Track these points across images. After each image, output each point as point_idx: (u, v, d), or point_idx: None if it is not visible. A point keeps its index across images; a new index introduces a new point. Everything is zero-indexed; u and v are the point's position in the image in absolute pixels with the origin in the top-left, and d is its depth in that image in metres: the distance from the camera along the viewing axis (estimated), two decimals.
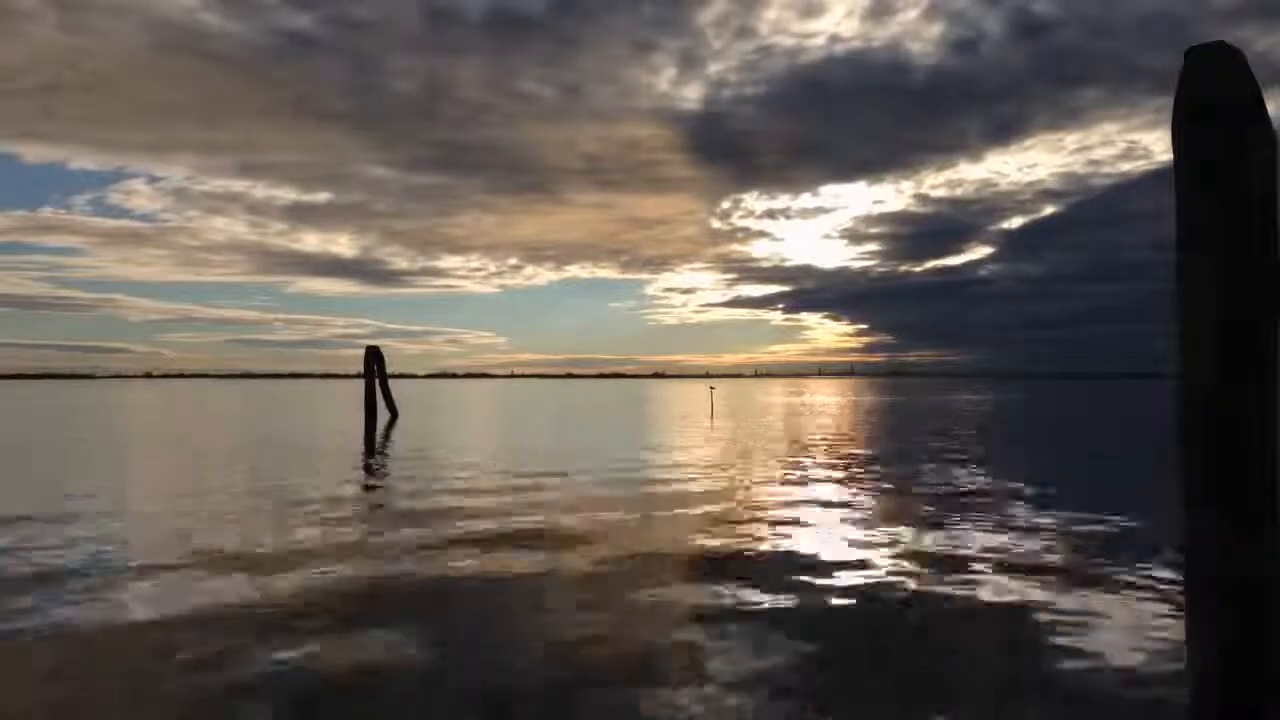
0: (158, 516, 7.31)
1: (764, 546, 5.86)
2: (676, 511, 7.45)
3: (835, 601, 4.35)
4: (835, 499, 8.19)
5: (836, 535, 6.32)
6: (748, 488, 9.02)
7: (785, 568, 5.18)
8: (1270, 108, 2.75)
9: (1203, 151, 2.75)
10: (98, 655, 3.60)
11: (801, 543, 6.01)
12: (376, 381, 24.29)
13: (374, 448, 14.63)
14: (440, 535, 6.38)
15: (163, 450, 14.16)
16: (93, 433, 18.56)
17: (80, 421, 23.30)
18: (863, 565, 5.28)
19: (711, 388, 71.42)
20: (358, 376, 29.18)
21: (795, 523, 6.85)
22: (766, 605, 4.24)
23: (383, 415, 24.24)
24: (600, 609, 4.28)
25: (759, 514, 7.27)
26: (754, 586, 4.67)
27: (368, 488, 9.26)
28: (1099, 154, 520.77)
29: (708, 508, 7.63)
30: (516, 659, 3.50)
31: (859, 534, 6.36)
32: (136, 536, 6.38)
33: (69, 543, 6.07)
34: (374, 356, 24.44)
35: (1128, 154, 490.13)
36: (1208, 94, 2.74)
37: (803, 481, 9.60)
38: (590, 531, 6.50)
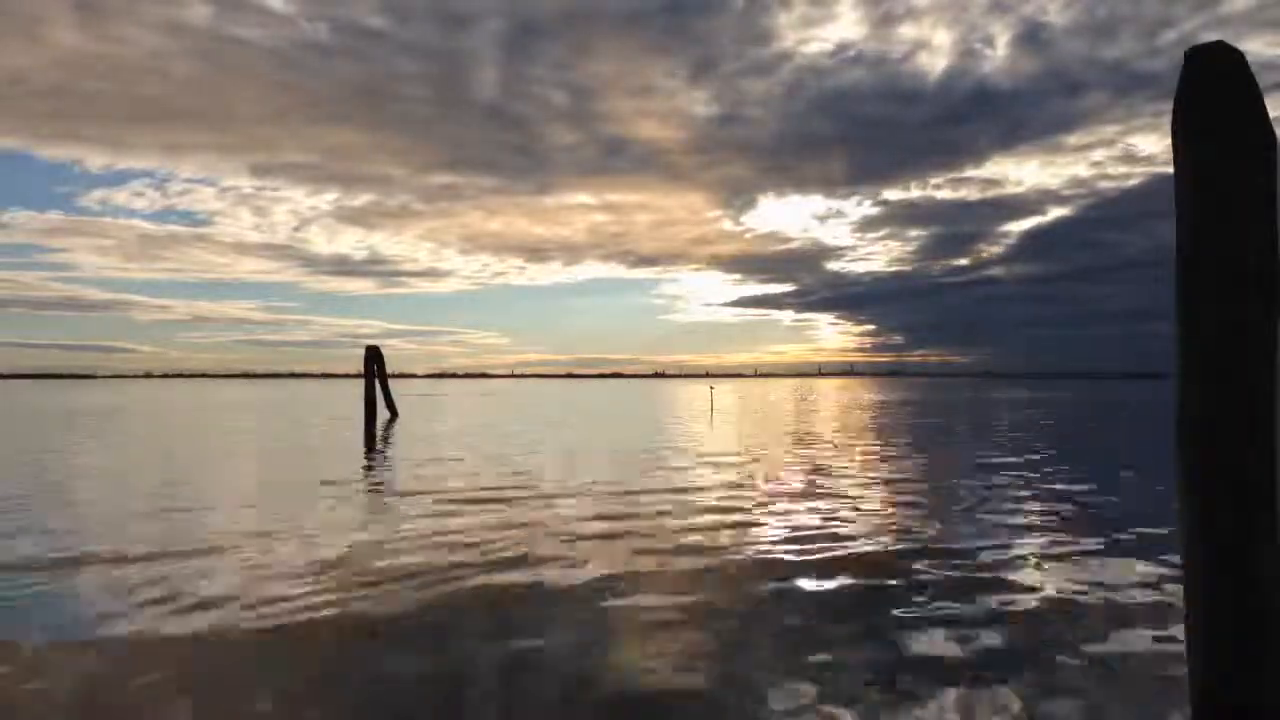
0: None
1: None
2: None
3: None
4: None
5: None
6: None
7: None
8: (1270, 109, 2.74)
9: (1202, 153, 2.73)
10: None
11: None
12: (376, 381, 24.26)
13: (373, 447, 14.63)
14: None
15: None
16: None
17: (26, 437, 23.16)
18: None
19: (711, 388, 71.49)
20: (358, 376, 29.13)
21: None
22: None
23: (382, 414, 24.25)
24: None
25: None
26: None
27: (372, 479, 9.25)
28: (1102, 156, 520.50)
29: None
30: None
31: None
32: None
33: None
34: (374, 356, 24.41)
35: (1130, 157, 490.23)
36: (1207, 95, 2.73)
37: None
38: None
